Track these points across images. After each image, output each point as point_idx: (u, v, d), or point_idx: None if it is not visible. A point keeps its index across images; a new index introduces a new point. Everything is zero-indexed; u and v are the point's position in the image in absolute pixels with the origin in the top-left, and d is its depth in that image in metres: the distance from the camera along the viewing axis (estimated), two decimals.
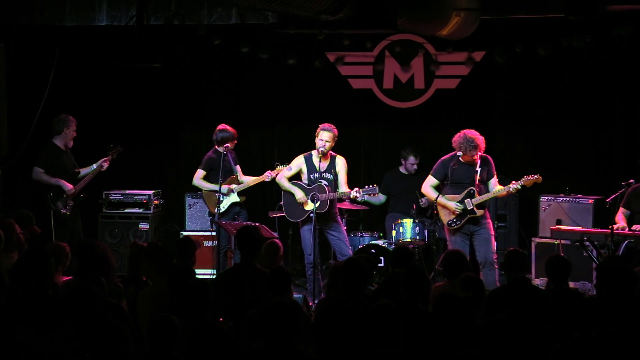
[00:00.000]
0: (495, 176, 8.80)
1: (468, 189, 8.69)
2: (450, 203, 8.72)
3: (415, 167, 10.40)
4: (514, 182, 8.66)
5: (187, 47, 10.93)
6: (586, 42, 9.68)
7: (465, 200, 8.66)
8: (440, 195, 8.79)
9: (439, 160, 8.93)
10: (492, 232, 8.79)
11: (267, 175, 9.60)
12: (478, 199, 8.64)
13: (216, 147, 9.72)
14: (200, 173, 9.74)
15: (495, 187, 8.70)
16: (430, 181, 8.93)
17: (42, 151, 9.73)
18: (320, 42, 10.28)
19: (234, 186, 9.67)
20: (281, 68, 10.62)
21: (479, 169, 8.64)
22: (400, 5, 7.64)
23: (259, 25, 10.13)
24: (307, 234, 9.02)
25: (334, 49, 10.73)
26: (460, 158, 8.74)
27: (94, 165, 9.77)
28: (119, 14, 10.03)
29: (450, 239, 8.80)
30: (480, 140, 8.67)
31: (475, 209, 8.63)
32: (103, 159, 9.79)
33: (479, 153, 8.66)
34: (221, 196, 9.50)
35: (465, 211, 8.66)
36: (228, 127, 9.71)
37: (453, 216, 8.74)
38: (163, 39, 10.07)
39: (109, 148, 9.88)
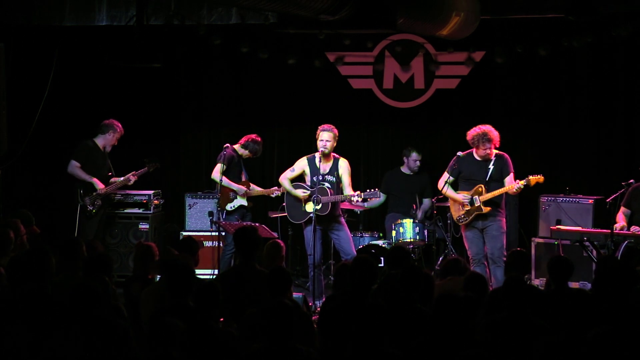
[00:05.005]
0: (512, 174, 8.75)
1: (477, 186, 8.72)
2: (458, 195, 8.82)
3: (418, 163, 10.40)
4: (517, 180, 8.66)
5: (187, 47, 10.93)
6: (586, 42, 9.69)
7: (474, 197, 8.70)
8: (448, 186, 8.84)
9: (455, 156, 9.00)
10: (504, 229, 8.79)
11: (275, 192, 9.66)
12: (485, 196, 8.66)
13: (238, 149, 9.76)
14: (219, 167, 9.66)
15: (509, 184, 8.69)
16: (444, 177, 8.99)
17: (80, 146, 9.81)
18: (320, 42, 10.28)
19: (245, 189, 9.75)
20: (281, 68, 10.62)
21: (491, 167, 8.69)
22: (400, 5, 7.64)
23: (259, 25, 10.13)
24: (309, 234, 9.02)
25: (334, 49, 10.73)
26: (475, 155, 8.77)
27: (121, 178, 9.84)
28: (119, 14, 10.02)
29: (464, 234, 8.87)
30: (494, 134, 8.69)
31: (482, 206, 8.66)
32: (132, 173, 9.88)
33: (494, 150, 8.70)
34: (232, 194, 9.60)
35: (472, 208, 8.70)
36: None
37: (462, 212, 8.80)
38: (163, 39, 10.06)
39: (146, 161, 9.95)
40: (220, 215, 9.64)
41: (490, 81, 10.79)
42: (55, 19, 10.15)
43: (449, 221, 9.65)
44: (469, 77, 10.74)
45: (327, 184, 9.03)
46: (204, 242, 10.11)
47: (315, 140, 9.09)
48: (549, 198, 9.95)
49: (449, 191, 8.90)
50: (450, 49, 10.51)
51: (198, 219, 10.55)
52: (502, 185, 8.72)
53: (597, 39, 9.69)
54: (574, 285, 8.44)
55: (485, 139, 8.66)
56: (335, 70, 10.95)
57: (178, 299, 5.57)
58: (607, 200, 8.91)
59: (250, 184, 9.91)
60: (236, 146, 9.81)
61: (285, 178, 9.27)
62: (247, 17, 9.90)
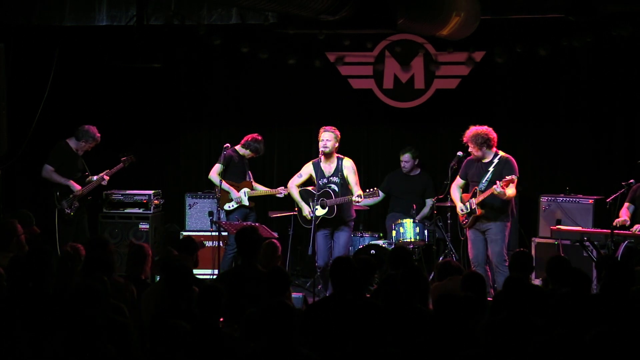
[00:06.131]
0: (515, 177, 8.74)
1: (474, 189, 8.72)
2: (458, 204, 8.81)
3: (406, 165, 10.35)
4: (497, 183, 8.58)
5: (187, 47, 10.93)
6: (586, 42, 9.69)
7: (470, 200, 8.71)
8: (457, 190, 8.89)
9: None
10: (504, 233, 8.66)
11: (281, 192, 9.64)
12: (478, 198, 8.66)
13: (240, 149, 9.75)
14: (217, 167, 9.68)
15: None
16: (457, 181, 9.00)
17: (54, 149, 9.77)
18: (320, 42, 10.27)
19: (246, 189, 9.70)
20: (281, 68, 10.62)
21: (491, 169, 8.65)
22: (400, 5, 7.64)
23: (259, 25, 10.12)
24: (320, 238, 8.94)
25: (334, 49, 10.73)
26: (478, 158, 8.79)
27: (95, 177, 9.80)
28: (119, 14, 10.02)
29: (468, 235, 8.85)
30: (482, 137, 8.63)
31: (477, 208, 8.65)
32: (105, 172, 9.81)
33: (496, 151, 8.69)
34: (231, 195, 9.59)
35: (470, 211, 8.71)
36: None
37: (464, 217, 8.82)
38: (163, 39, 10.07)
39: (120, 157, 9.91)
40: (220, 214, 9.63)
41: (491, 81, 10.79)
42: (55, 19, 10.15)
43: (449, 221, 9.65)
44: (469, 77, 10.74)
45: (333, 186, 8.98)
46: (205, 242, 10.11)
47: (317, 141, 9.09)
48: (549, 198, 9.96)
49: (454, 195, 8.92)
50: (450, 49, 10.50)
51: (198, 219, 10.55)
52: None
53: (597, 39, 9.69)
54: None
55: (472, 140, 8.65)
56: (335, 70, 10.95)
57: (176, 300, 5.57)
58: (607, 200, 8.91)
59: (254, 183, 9.90)
60: (237, 147, 9.81)
61: (293, 185, 9.19)
62: (247, 17, 9.90)
